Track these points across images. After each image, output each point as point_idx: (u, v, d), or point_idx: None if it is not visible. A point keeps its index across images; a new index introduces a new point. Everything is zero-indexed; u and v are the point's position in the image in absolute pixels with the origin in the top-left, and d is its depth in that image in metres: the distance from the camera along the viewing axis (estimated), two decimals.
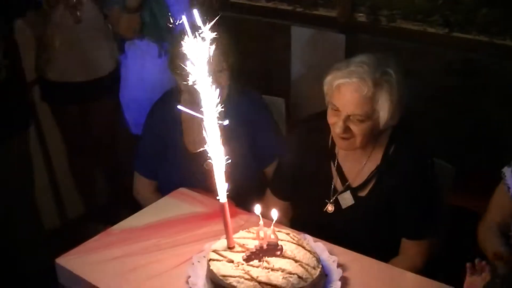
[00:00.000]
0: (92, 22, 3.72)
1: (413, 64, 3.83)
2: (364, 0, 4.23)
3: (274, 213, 2.13)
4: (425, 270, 2.46)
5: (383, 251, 2.51)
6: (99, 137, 4.16)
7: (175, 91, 3.04)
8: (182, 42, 2.32)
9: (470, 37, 3.87)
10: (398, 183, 2.54)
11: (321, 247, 2.33)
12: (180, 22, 1.83)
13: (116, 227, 2.60)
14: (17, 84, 3.58)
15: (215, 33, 2.74)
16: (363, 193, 2.62)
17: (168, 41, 3.27)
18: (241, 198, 2.65)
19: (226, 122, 2.02)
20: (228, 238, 2.18)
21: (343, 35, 4.24)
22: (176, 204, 2.74)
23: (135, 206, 2.96)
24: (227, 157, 2.07)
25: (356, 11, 4.29)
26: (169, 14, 3.42)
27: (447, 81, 3.89)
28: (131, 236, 2.51)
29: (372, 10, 4.23)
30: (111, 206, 4.38)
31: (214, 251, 2.18)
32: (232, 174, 2.11)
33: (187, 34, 1.94)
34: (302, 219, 2.74)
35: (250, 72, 4.21)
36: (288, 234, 2.27)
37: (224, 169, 2.07)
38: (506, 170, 2.45)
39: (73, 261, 2.38)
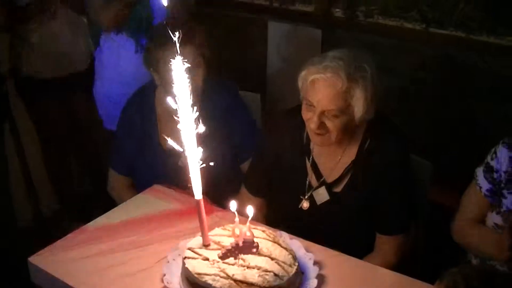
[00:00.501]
0: (65, 17, 3.73)
1: (390, 60, 3.85)
2: None
3: (250, 210, 2.10)
4: (403, 267, 2.43)
5: (358, 247, 2.50)
6: (76, 133, 4.16)
7: (150, 86, 3.01)
8: (158, 38, 2.30)
9: (447, 33, 3.88)
10: (373, 177, 2.53)
11: (297, 244, 2.31)
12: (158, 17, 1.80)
13: (91, 224, 2.55)
14: None
15: (189, 26, 2.75)
16: (338, 189, 2.61)
17: (145, 37, 3.22)
18: (216, 195, 2.63)
19: (202, 128, 1.99)
20: (203, 235, 2.15)
21: (320, 30, 4.24)
22: (151, 201, 2.71)
23: (110, 203, 2.91)
24: (203, 154, 2.04)
25: (333, 6, 4.29)
26: (150, 8, 3.39)
27: (424, 76, 3.91)
28: (106, 233, 2.47)
29: (349, 6, 4.23)
30: (86, 203, 4.35)
31: (189, 248, 2.15)
32: (207, 170, 2.08)
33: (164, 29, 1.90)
34: (277, 216, 2.73)
35: (226, 67, 4.21)
36: (263, 231, 2.25)
37: (199, 166, 2.04)
38: (478, 171, 2.47)
39: (46, 259, 2.33)
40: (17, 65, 3.79)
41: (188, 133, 1.99)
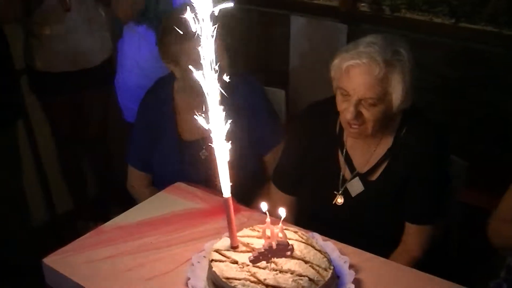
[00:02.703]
0: (84, 9, 3.63)
1: (418, 55, 3.72)
2: None
3: (282, 211, 1.96)
4: (437, 269, 2.30)
5: (386, 241, 2.45)
6: (90, 130, 4.07)
7: (169, 78, 2.93)
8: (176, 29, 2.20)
9: (477, 28, 3.78)
10: (408, 164, 2.43)
11: (331, 246, 2.18)
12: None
13: (108, 224, 2.43)
14: (6, 74, 3.48)
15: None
16: (373, 178, 2.51)
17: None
18: (241, 192, 2.44)
19: (228, 123, 1.89)
20: (232, 236, 2.01)
21: (345, 25, 4.14)
22: (173, 200, 2.58)
23: (128, 202, 2.80)
24: (227, 147, 1.91)
25: (359, 1, 4.20)
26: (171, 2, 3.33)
27: (454, 72, 3.79)
28: (124, 234, 2.35)
29: (374, 0, 4.15)
30: (102, 201, 4.29)
31: (216, 250, 2.02)
32: (231, 164, 1.97)
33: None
34: (308, 214, 2.62)
35: (248, 63, 4.12)
36: (296, 232, 2.11)
37: (227, 160, 1.90)
38: None
39: (61, 261, 2.22)
40: (30, 59, 3.70)
41: (215, 126, 1.85)
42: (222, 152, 1.89)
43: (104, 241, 2.31)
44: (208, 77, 1.84)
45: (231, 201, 1.97)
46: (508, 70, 3.59)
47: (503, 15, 3.68)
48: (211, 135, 1.89)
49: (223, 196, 1.97)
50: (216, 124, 1.87)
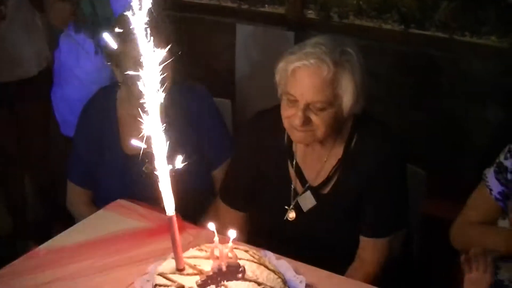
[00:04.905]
0: (19, 17, 3.48)
1: (368, 62, 3.69)
2: None
3: (232, 233, 1.84)
4: (398, 283, 2.34)
5: (342, 255, 2.36)
6: (30, 145, 3.88)
7: (111, 88, 2.83)
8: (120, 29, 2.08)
9: (428, 34, 3.81)
10: (362, 175, 2.32)
11: (285, 265, 2.04)
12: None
13: (44, 246, 2.26)
14: None
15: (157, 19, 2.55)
16: (325, 191, 2.40)
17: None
18: (188, 209, 2.37)
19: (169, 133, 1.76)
20: (177, 258, 1.87)
21: (292, 32, 4.14)
22: (114, 218, 2.43)
23: (73, 221, 2.67)
24: (170, 162, 1.76)
25: (306, 8, 4.21)
26: (110, 8, 3.22)
27: (406, 79, 3.80)
28: (61, 257, 2.18)
29: (322, 7, 4.16)
30: (43, 221, 4.09)
31: (160, 274, 1.87)
32: (177, 179, 1.84)
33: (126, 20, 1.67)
34: (260, 231, 2.51)
35: (193, 73, 4.01)
36: (247, 251, 1.97)
37: (170, 176, 1.77)
38: (488, 172, 2.30)
39: None
40: None
41: (155, 136, 1.70)
42: (163, 167, 1.74)
43: (38, 266, 2.14)
44: (148, 83, 1.69)
45: (175, 219, 1.82)
46: (461, 76, 3.60)
47: (455, 20, 3.70)
48: (151, 148, 1.75)
49: (167, 214, 1.81)
50: (155, 136, 1.72)
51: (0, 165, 3.89)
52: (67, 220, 2.69)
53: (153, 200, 2.45)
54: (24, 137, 3.81)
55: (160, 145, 1.74)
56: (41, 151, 3.93)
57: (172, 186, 1.82)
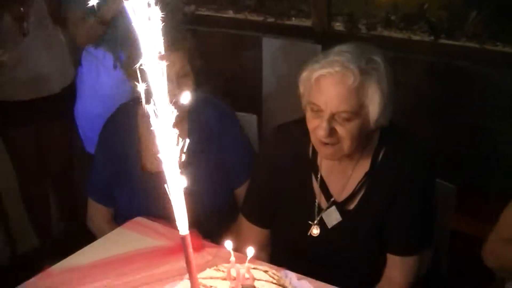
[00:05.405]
0: (42, 33, 3.49)
1: (398, 74, 3.61)
2: (342, 7, 4.15)
3: (250, 251, 1.75)
4: None
5: (371, 274, 2.30)
6: (54, 162, 3.90)
7: (132, 104, 2.78)
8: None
9: (459, 44, 3.75)
10: (389, 190, 2.23)
11: (306, 285, 1.98)
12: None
13: (56, 266, 2.22)
14: None
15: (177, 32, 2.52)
16: (351, 206, 2.30)
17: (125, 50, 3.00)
18: (209, 228, 2.35)
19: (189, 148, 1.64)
20: (191, 279, 1.77)
21: (320, 45, 4.07)
22: (132, 237, 2.38)
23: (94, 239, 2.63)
24: (190, 179, 1.68)
25: (333, 20, 4.18)
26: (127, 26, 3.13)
27: (436, 91, 3.71)
28: (75, 277, 2.13)
29: (350, 19, 4.13)
30: (68, 239, 4.01)
31: None
32: (197, 198, 1.82)
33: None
34: (283, 248, 2.43)
35: (219, 87, 4.02)
36: (266, 271, 1.88)
37: (183, 192, 1.68)
38: None
39: None
40: None
41: (168, 151, 1.63)
42: (176, 183, 1.67)
43: (52, 286, 2.10)
44: (163, 97, 1.63)
45: (189, 239, 1.74)
46: (493, 88, 3.51)
47: (485, 30, 3.64)
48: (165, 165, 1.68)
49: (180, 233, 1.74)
50: (169, 152, 1.65)
51: (24, 182, 3.90)
52: (92, 238, 2.64)
53: (174, 218, 2.41)
54: (48, 154, 3.82)
55: (173, 161, 1.67)
56: (65, 168, 3.95)
57: (192, 204, 1.75)
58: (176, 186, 1.66)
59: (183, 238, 1.70)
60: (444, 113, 3.68)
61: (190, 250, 1.71)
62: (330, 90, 2.06)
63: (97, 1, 1.87)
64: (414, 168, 2.22)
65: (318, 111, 2.10)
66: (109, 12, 3.20)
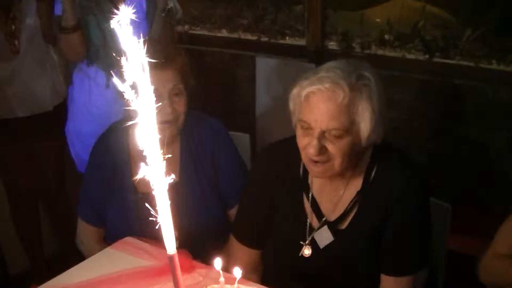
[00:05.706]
0: (34, 51, 3.46)
1: (392, 92, 3.70)
2: (336, 26, 4.16)
3: (238, 271, 1.72)
4: None
5: None
6: (47, 182, 3.87)
7: (123, 123, 2.71)
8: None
9: (453, 63, 3.75)
10: (382, 208, 2.19)
11: None
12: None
13: (43, 286, 2.18)
14: None
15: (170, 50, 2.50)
16: (343, 226, 2.26)
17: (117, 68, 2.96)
18: (201, 248, 2.34)
19: (172, 176, 1.62)
20: None
21: (313, 64, 4.05)
22: (120, 257, 2.33)
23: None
24: (180, 199, 1.66)
25: (327, 39, 4.19)
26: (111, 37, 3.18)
27: (430, 109, 3.73)
28: None
29: (344, 38, 4.14)
30: (59, 261, 3.83)
31: None
32: (189, 217, 1.72)
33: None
34: (273, 269, 2.39)
35: (212, 106, 4.01)
36: None
37: (170, 210, 1.66)
38: None
39: None
40: None
41: (155, 169, 1.60)
42: (163, 202, 1.64)
43: None
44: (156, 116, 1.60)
45: (176, 259, 1.70)
46: (488, 105, 3.52)
47: (480, 48, 3.66)
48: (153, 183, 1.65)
49: (167, 252, 1.70)
50: (157, 172, 1.62)
51: (16, 202, 3.86)
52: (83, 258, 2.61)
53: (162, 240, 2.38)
54: (39, 173, 3.78)
55: (159, 176, 1.64)
56: (57, 187, 3.90)
57: (184, 224, 1.72)
58: (164, 204, 1.63)
59: (170, 257, 1.67)
60: (439, 130, 3.68)
61: (178, 270, 1.68)
62: (320, 107, 2.02)
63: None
64: (408, 186, 2.18)
65: (308, 129, 2.07)
66: (70, 20, 3.19)
